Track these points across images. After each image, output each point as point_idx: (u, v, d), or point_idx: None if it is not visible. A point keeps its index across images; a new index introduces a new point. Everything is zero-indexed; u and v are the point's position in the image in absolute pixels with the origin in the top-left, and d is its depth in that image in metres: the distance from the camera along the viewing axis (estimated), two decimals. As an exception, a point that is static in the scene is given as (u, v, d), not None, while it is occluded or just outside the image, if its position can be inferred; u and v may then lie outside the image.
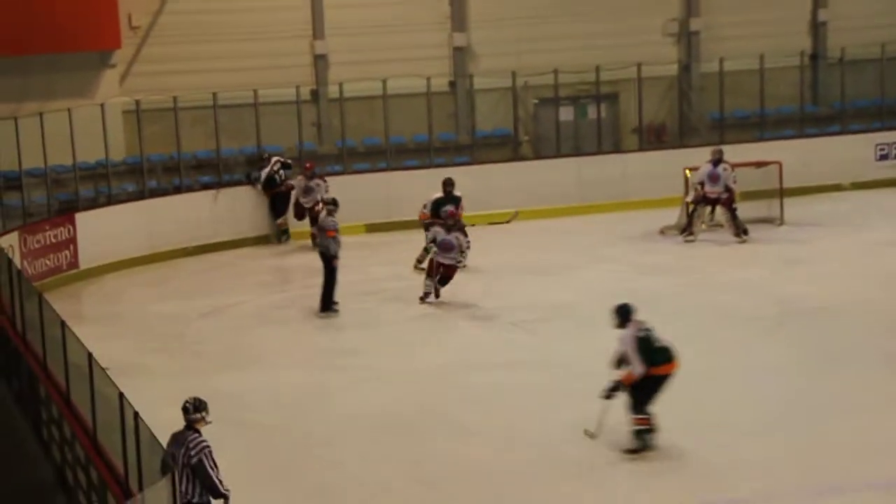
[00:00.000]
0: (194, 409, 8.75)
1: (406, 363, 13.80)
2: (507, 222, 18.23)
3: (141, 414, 8.40)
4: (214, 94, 21.22)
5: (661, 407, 11.74)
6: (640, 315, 14.72)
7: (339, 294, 16.50)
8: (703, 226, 19.81)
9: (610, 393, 10.81)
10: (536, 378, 12.95)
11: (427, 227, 17.60)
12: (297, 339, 15.16)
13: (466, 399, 12.34)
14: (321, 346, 14.87)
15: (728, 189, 19.35)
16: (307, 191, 20.63)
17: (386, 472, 10.61)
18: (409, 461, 10.83)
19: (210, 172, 21.71)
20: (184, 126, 21.14)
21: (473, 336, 14.92)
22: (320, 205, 19.39)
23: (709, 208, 19.80)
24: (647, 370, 10.71)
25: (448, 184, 18.54)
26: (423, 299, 16.35)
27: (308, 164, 20.95)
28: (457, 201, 18.16)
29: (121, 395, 8.68)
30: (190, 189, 21.23)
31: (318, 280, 18.15)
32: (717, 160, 19.53)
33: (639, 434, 10.70)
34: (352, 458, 10.94)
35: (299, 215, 20.83)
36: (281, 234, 21.14)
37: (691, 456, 10.50)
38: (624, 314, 10.99)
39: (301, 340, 15.05)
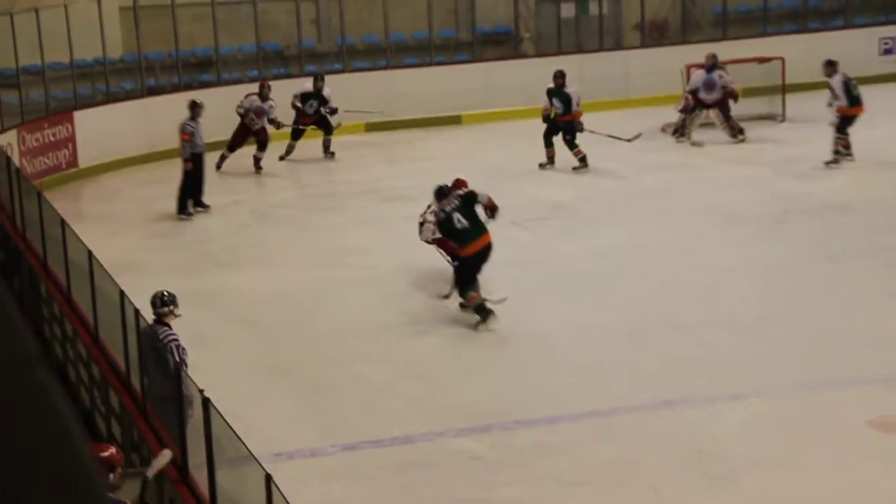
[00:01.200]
0: (161, 303, 8.66)
1: (407, 262, 13.81)
2: (630, 141, 18.03)
3: (141, 311, 8.44)
4: (213, -9, 21.00)
5: (662, 302, 11.85)
6: (644, 213, 14.79)
7: (340, 192, 16.48)
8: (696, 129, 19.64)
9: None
10: (533, 276, 12.98)
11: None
12: (298, 237, 15.17)
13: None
14: (322, 244, 14.88)
15: (727, 93, 19.11)
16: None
17: (385, 369, 10.68)
18: (408, 359, 10.90)
19: (209, 70, 21.57)
20: (182, 23, 20.95)
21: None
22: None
23: (705, 111, 19.56)
24: (458, 251, 11.46)
25: (559, 76, 18.01)
26: None
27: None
28: (565, 99, 17.72)
29: (121, 292, 8.71)
30: (189, 87, 21.09)
31: (318, 180, 18.17)
32: (711, 66, 19.24)
33: (476, 309, 11.30)
34: (351, 357, 11.00)
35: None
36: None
37: (689, 353, 10.55)
38: (438, 194, 11.68)
39: (302, 239, 15.07)
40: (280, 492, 5.68)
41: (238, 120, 18.89)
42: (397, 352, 11.10)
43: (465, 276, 11.63)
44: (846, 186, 16.06)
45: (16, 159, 15.99)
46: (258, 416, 9.52)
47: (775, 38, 23.13)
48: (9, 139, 16.94)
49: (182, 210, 16.34)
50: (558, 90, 17.91)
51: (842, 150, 17.06)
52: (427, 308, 12.14)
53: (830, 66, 17.49)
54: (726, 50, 21.56)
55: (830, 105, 17.34)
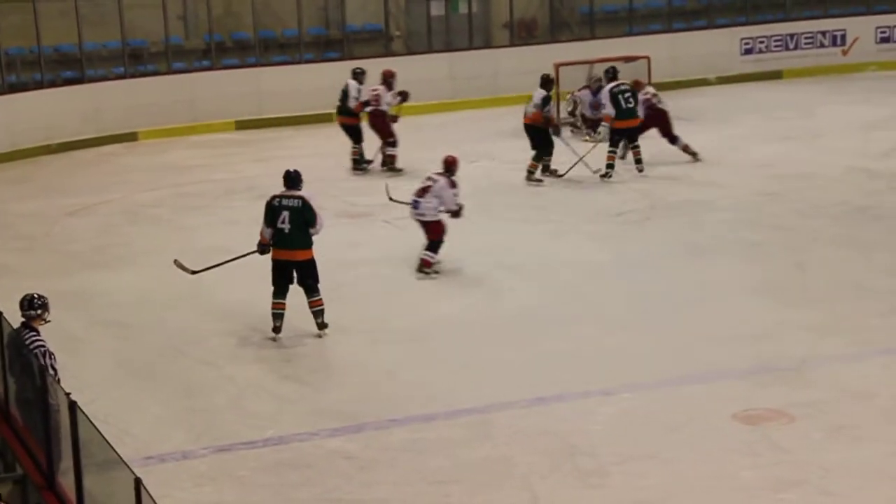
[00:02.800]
0: (29, 306, 8.25)
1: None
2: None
3: (6, 315, 8.25)
4: (75, -15, 20.58)
5: (534, 299, 11.98)
6: (513, 210, 14.93)
7: (210, 191, 16.32)
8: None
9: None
10: (406, 275, 13.01)
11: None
12: (167, 237, 14.95)
13: (338, 296, 12.33)
14: (193, 244, 14.66)
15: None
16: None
17: (257, 370, 10.61)
18: (280, 358, 10.85)
19: (73, 67, 21.12)
20: (44, 18, 20.48)
21: (345, 233, 14.87)
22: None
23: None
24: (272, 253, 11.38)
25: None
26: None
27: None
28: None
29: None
30: (52, 84, 20.65)
31: (195, 177, 17.95)
32: (597, 89, 19.13)
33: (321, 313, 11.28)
34: (222, 357, 10.90)
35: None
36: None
37: (561, 349, 10.69)
38: (285, 179, 11.60)
39: (171, 239, 14.84)
40: (150, 496, 5.60)
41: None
42: (269, 352, 11.02)
43: (274, 277, 11.37)
44: (708, 183, 16.40)
45: None
46: (128, 420, 9.39)
47: (641, 38, 23.54)
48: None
49: None
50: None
51: (613, 163, 16.75)
52: (298, 308, 12.05)
53: (606, 75, 17.28)
54: (594, 49, 21.92)
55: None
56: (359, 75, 18.15)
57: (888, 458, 8.43)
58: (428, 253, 13.09)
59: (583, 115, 19.51)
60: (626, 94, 16.97)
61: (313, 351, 11.01)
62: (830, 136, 19.07)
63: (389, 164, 17.83)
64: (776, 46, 25.00)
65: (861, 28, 25.13)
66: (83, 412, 6.92)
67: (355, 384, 10.18)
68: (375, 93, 17.77)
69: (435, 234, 13.14)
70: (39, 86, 20.37)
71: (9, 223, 15.92)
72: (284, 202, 11.33)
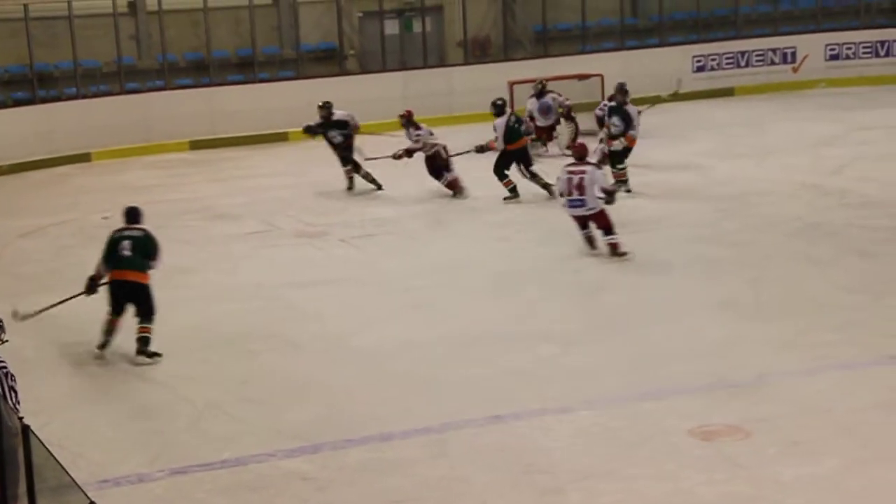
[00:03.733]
0: None
1: (232, 280, 13.68)
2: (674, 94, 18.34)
3: (-42, 339, 8.14)
4: (26, 6, 20.45)
5: (490, 316, 11.98)
6: (469, 227, 14.96)
7: (164, 211, 16.23)
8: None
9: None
10: (362, 293, 13.00)
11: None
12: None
13: (294, 315, 12.31)
14: (145, 264, 14.56)
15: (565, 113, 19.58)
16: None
17: (214, 391, 10.52)
18: (237, 379, 10.77)
19: (23, 88, 20.98)
20: (-6, 39, 20.38)
21: (300, 253, 14.86)
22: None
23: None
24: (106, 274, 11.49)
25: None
26: None
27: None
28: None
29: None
30: (3, 105, 20.49)
31: (150, 197, 17.83)
32: (540, 92, 19.61)
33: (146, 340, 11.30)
34: (178, 378, 10.81)
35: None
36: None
37: (517, 366, 10.69)
38: (127, 215, 11.80)
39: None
40: (107, 521, 5.53)
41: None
42: (225, 373, 10.94)
43: (112, 299, 11.50)
44: (667, 200, 16.50)
45: None
46: (83, 443, 9.28)
47: (594, 56, 23.69)
48: None
49: None
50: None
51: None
52: (253, 327, 12.02)
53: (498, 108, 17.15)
54: (547, 67, 22.06)
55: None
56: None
57: (844, 473, 8.47)
58: (612, 236, 13.60)
59: (532, 120, 19.57)
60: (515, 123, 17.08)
61: (270, 371, 10.94)
62: (782, 152, 19.26)
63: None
64: (728, 64, 25.25)
65: (811, 45, 25.45)
66: (36, 436, 6.84)
67: (313, 404, 10.13)
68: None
69: (605, 219, 13.65)
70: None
71: (-41, 245, 15.75)
72: (126, 233, 11.57)
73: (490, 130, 17.15)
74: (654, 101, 19.70)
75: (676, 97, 20.20)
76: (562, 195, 14.07)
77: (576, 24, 24.86)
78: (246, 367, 11.05)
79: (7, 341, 8.42)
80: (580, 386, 10.21)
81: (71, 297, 11.75)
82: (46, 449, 6.52)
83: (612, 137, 16.78)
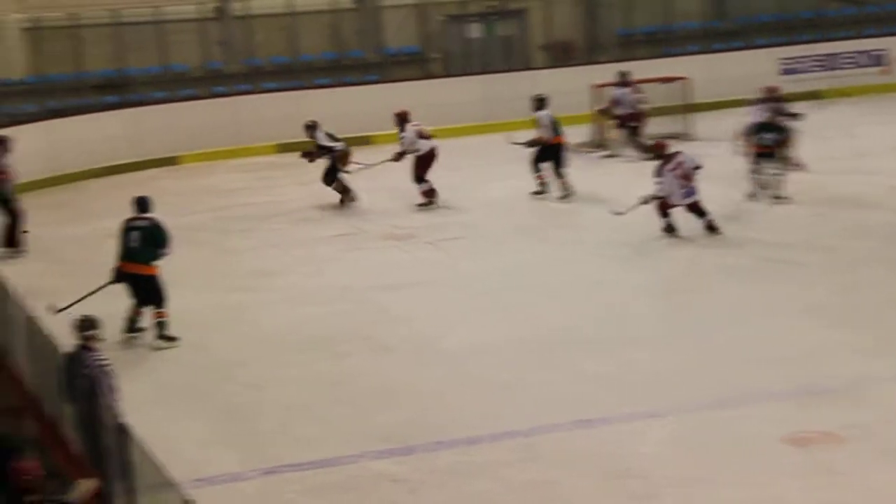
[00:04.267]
0: (84, 327, 8.56)
1: (320, 283, 13.77)
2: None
3: (54, 335, 8.31)
4: (116, 12, 20.77)
5: (576, 321, 11.94)
6: (557, 231, 14.93)
7: (252, 214, 16.41)
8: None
9: None
10: (449, 296, 13.03)
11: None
12: (209, 260, 15.03)
13: (382, 318, 12.38)
14: (233, 266, 14.76)
15: (633, 112, 19.61)
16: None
17: (303, 392, 10.61)
18: (326, 381, 10.85)
19: (114, 92, 21.31)
20: (86, 44, 20.70)
21: (387, 255, 14.92)
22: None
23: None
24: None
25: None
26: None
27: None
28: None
29: (30, 317, 8.57)
30: (93, 109, 20.82)
31: (237, 200, 18.00)
32: (620, 83, 19.72)
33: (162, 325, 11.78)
34: (268, 380, 10.92)
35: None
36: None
37: (603, 371, 10.64)
38: (136, 204, 12.17)
39: (213, 261, 14.93)
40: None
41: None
42: (313, 375, 11.03)
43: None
44: (741, 204, 16.30)
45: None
46: (177, 442, 9.39)
47: (679, 59, 23.51)
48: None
49: (13, 243, 15.49)
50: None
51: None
52: (341, 330, 12.10)
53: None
54: (632, 69, 21.88)
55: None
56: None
57: (942, 480, 8.35)
58: (709, 218, 14.35)
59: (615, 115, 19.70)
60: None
61: (360, 373, 11.01)
62: (873, 156, 18.95)
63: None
64: (814, 67, 24.92)
65: (899, 47, 25.06)
66: (133, 434, 6.97)
67: (402, 406, 10.17)
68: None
69: (698, 205, 14.47)
70: (80, 111, 20.53)
71: (50, 247, 16.03)
72: (134, 223, 11.97)
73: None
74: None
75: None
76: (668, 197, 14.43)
77: (659, 26, 24.72)
78: (334, 369, 11.13)
79: (104, 339, 8.60)
80: (669, 390, 10.14)
81: (98, 289, 11.98)
82: (143, 448, 6.63)
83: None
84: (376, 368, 11.09)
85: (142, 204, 12.11)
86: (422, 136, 17.22)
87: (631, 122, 19.79)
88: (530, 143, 17.52)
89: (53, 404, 8.44)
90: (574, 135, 20.40)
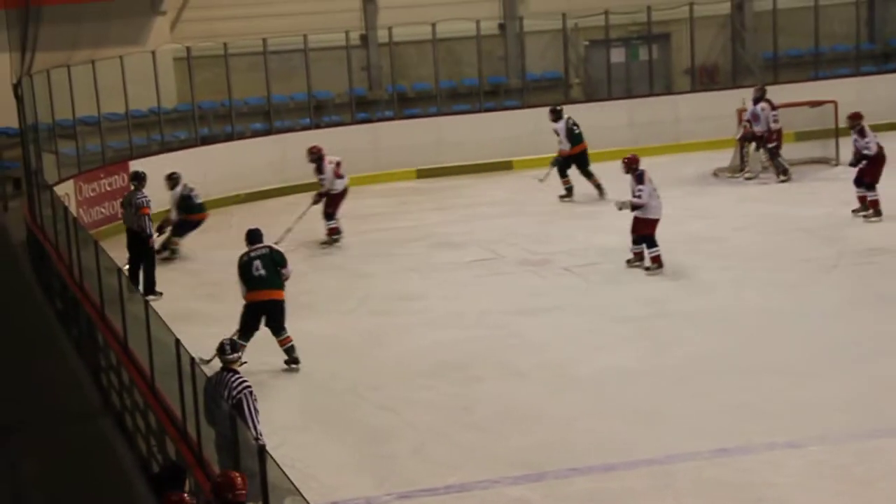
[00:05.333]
0: (231, 350, 8.88)
1: (457, 308, 13.83)
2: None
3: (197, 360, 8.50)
4: (264, 40, 21.25)
5: (715, 348, 11.78)
6: (695, 257, 14.75)
7: (391, 239, 16.56)
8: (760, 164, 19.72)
9: None
10: (586, 322, 12.97)
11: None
12: (349, 284, 15.22)
13: (517, 343, 12.38)
14: (371, 290, 14.91)
15: (769, 129, 19.28)
16: None
17: (437, 416, 10.67)
18: (460, 406, 10.89)
19: (261, 119, 21.77)
20: (234, 73, 21.19)
21: (524, 281, 14.92)
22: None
23: (753, 145, 19.69)
24: (245, 295, 12.02)
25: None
26: None
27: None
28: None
29: (177, 341, 8.78)
30: (241, 136, 21.30)
31: (377, 225, 18.14)
32: (756, 98, 19.48)
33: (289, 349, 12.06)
34: (403, 403, 11.00)
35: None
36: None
37: (744, 399, 10.47)
38: (248, 237, 12.36)
39: (353, 286, 15.11)
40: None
41: None
42: (449, 399, 11.08)
43: (247, 321, 12.07)
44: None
45: (73, 209, 16.18)
46: (313, 465, 9.54)
47: (827, 82, 23.04)
48: (66, 189, 17.16)
49: (152, 290, 14.83)
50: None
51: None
52: (477, 354, 12.13)
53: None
54: (778, 94, 21.47)
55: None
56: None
57: None
58: None
59: (749, 124, 19.38)
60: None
61: (493, 398, 11.02)
62: None
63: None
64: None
65: None
66: (271, 457, 7.09)
67: (535, 432, 10.16)
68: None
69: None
70: (230, 138, 21.03)
71: (198, 270, 16.43)
72: (253, 254, 12.17)
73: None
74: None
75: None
76: None
77: (808, 49, 24.26)
78: (469, 393, 11.17)
79: (245, 363, 8.80)
80: (809, 420, 9.94)
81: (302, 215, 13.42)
82: (281, 470, 6.75)
83: None
84: (510, 393, 11.10)
85: (254, 235, 12.40)
86: (338, 175, 17.03)
87: (768, 143, 19.43)
88: (554, 164, 18.92)
89: (194, 425, 8.63)
90: (717, 160, 20.21)
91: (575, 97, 23.89)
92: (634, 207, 14.88)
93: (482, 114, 22.45)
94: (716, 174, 20.07)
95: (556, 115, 19.15)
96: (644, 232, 14.87)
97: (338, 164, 17.19)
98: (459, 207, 18.97)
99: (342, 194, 17.24)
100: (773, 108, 19.39)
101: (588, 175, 18.89)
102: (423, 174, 21.51)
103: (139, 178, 15.77)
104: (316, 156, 17.20)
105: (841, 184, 17.37)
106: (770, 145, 19.37)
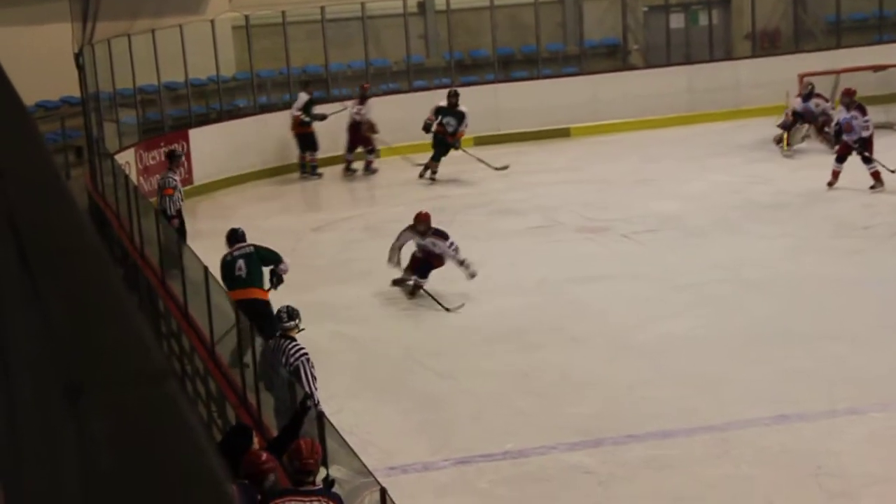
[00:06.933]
0: (288, 317, 8.88)
1: (515, 275, 13.82)
2: (497, 169, 18.69)
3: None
4: (322, 8, 21.27)
5: (776, 315, 11.69)
6: (755, 224, 14.62)
7: (451, 206, 16.59)
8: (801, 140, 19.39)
9: None
10: (644, 289, 12.91)
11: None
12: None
13: (575, 310, 12.36)
14: (431, 258, 14.91)
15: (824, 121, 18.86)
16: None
17: (495, 383, 10.69)
18: (518, 372, 10.90)
19: (319, 87, 21.82)
20: (293, 41, 21.24)
21: (582, 248, 14.88)
22: None
23: (805, 126, 19.34)
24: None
25: (452, 95, 18.89)
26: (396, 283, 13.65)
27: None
28: (460, 117, 18.53)
29: (236, 308, 8.87)
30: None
31: (436, 193, 18.17)
32: (807, 94, 19.03)
33: None
34: (461, 370, 11.04)
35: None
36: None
37: (805, 366, 10.40)
38: (228, 237, 11.58)
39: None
40: (395, 505, 5.73)
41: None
42: (507, 365, 11.09)
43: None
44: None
45: (133, 177, 16.34)
46: (371, 431, 9.59)
47: (890, 46, 22.69)
48: (127, 158, 17.32)
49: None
50: (450, 109, 18.83)
51: None
52: (535, 321, 12.13)
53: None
54: (840, 59, 21.26)
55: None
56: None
57: None
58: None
59: (793, 114, 19.03)
60: None
61: (551, 365, 11.02)
62: None
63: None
64: None
65: None
66: (331, 423, 7.15)
67: (593, 399, 10.15)
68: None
69: None
70: (288, 105, 21.09)
71: (258, 238, 16.39)
72: (236, 253, 11.38)
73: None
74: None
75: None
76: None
77: (872, 13, 23.90)
78: (528, 360, 11.17)
79: (303, 329, 8.85)
80: (870, 387, 9.85)
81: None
82: (340, 436, 6.80)
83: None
84: (569, 360, 11.09)
85: (234, 236, 11.66)
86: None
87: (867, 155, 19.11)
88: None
89: (254, 391, 8.72)
90: (775, 127, 20.00)
91: (633, 63, 23.72)
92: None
93: (540, 80, 22.35)
94: (776, 141, 19.84)
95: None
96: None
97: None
98: (518, 175, 18.92)
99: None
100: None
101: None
102: (480, 141, 21.46)
103: (173, 157, 15.78)
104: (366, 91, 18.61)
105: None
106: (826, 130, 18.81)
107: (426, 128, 18.87)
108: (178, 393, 1.26)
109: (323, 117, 19.65)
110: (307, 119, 19.66)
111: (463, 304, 12.52)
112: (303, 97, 19.73)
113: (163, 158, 18.18)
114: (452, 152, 18.84)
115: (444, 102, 18.92)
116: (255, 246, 11.63)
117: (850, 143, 16.58)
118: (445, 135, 18.84)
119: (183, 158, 16.23)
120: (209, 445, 1.24)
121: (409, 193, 18.53)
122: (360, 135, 19.70)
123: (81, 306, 1.34)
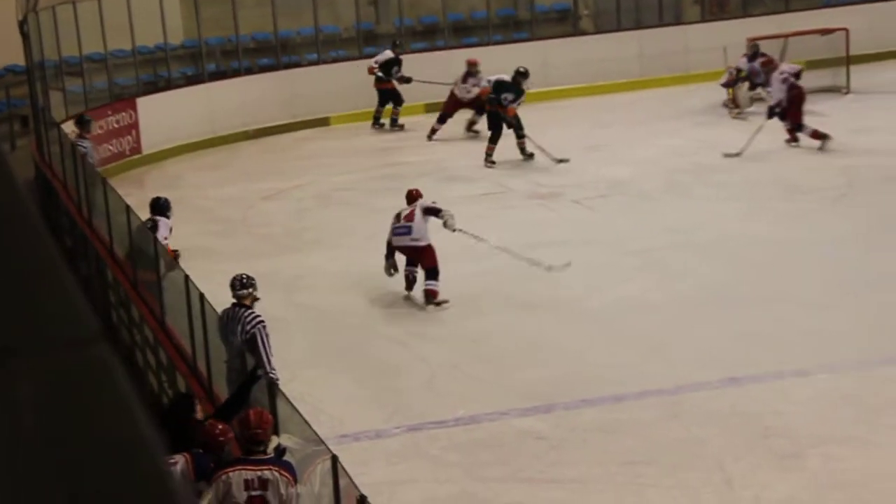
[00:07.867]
0: (241, 286, 8.78)
1: (465, 242, 13.78)
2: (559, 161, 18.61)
3: (206, 296, 8.53)
4: (271, -25, 21.10)
5: (726, 278, 11.77)
6: (704, 188, 14.69)
7: (401, 174, 16.52)
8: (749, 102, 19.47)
9: None
10: (596, 254, 12.95)
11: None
12: (358, 220, 15.20)
13: (527, 276, 12.37)
14: (382, 226, 14.83)
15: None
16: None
17: (448, 350, 10.71)
18: (470, 339, 10.92)
19: (268, 55, 21.66)
20: (241, 8, 21.04)
21: (534, 214, 14.90)
22: None
23: (747, 84, 19.45)
24: None
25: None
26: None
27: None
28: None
29: (186, 277, 8.81)
30: (249, 72, 21.20)
31: (387, 160, 18.12)
32: (752, 55, 19.16)
33: None
34: (413, 337, 11.04)
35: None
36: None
37: (754, 328, 10.48)
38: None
39: (362, 222, 15.09)
40: (346, 473, 5.72)
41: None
42: (459, 332, 11.11)
43: None
44: None
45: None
46: (323, 399, 9.59)
47: (838, 10, 22.82)
48: (73, 128, 17.13)
49: None
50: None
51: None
52: (486, 288, 12.14)
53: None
54: (788, 22, 21.37)
55: None
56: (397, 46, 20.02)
57: None
58: None
59: (737, 72, 19.17)
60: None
61: (503, 331, 11.04)
62: None
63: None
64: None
65: None
66: (281, 391, 7.13)
67: (546, 364, 10.19)
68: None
69: None
70: (237, 73, 20.94)
71: (208, 207, 16.42)
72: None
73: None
74: None
75: None
76: None
77: (819, -24, 24.05)
78: (479, 326, 11.19)
79: (259, 298, 8.80)
80: (818, 349, 9.95)
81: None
82: (291, 404, 6.78)
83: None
84: (520, 326, 11.11)
85: (157, 205, 11.90)
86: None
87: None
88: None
89: (204, 360, 8.67)
90: (724, 91, 20.07)
91: (584, 29, 23.71)
92: None
93: (491, 46, 22.28)
94: (726, 105, 19.92)
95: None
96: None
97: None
98: (468, 141, 18.89)
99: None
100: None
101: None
102: (431, 108, 21.37)
103: (82, 122, 15.62)
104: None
105: (850, 113, 17.23)
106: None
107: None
108: (111, 357, 1.23)
109: (408, 80, 19.76)
110: (381, 75, 19.74)
111: (570, 262, 12.18)
112: (386, 53, 19.98)
113: (111, 127, 18.04)
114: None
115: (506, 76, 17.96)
116: (153, 221, 11.64)
117: (772, 107, 16.95)
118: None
119: (93, 123, 16.00)
120: (140, 410, 1.21)
121: (359, 161, 18.47)
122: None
123: (12, 270, 1.30)
